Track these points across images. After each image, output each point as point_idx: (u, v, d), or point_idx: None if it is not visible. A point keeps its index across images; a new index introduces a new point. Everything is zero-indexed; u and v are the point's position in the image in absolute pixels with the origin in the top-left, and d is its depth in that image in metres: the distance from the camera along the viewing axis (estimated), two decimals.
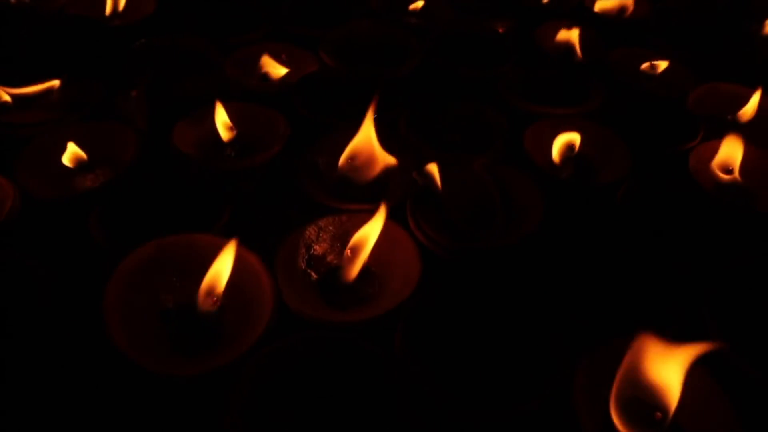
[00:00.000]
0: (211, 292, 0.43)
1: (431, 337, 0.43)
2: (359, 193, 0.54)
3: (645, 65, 0.77)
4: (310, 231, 0.50)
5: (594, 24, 0.83)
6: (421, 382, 0.38)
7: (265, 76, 0.71)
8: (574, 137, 0.59)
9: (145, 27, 0.77)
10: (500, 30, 0.85)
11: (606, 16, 0.88)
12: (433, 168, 0.52)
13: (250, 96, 0.65)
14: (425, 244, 0.49)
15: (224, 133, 0.60)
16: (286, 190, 0.55)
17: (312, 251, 0.50)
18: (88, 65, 0.68)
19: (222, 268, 0.43)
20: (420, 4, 0.84)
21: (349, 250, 0.47)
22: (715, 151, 0.61)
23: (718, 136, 0.63)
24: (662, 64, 0.76)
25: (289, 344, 0.40)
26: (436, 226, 0.50)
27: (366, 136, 0.54)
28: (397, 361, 0.40)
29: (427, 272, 0.46)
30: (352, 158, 0.55)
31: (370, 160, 0.55)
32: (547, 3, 0.90)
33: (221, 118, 0.60)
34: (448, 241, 0.49)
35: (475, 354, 0.43)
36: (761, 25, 0.85)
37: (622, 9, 0.88)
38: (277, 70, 0.71)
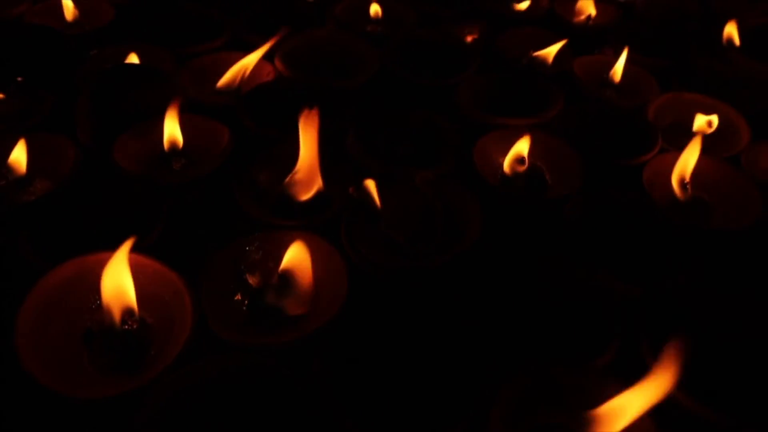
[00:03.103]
0: (116, 308, 0.42)
1: (350, 360, 0.41)
2: (297, 210, 0.53)
3: (608, 74, 0.75)
4: (241, 248, 0.49)
5: (562, 31, 0.82)
6: (334, 409, 0.37)
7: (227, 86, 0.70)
8: (523, 149, 0.58)
9: (104, 36, 0.76)
10: (467, 38, 0.84)
11: (574, 23, 0.87)
12: (370, 184, 0.51)
13: (201, 108, 0.64)
14: (355, 262, 0.47)
15: (170, 145, 0.59)
16: (224, 205, 0.54)
17: (241, 269, 0.48)
18: (41, 75, 0.68)
19: (120, 282, 0.41)
20: (379, 10, 0.83)
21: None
22: (671, 163, 0.60)
23: (677, 148, 0.62)
24: (622, 74, 0.74)
25: (197, 368, 0.39)
26: (372, 243, 0.49)
27: (309, 152, 0.53)
28: (313, 386, 0.39)
29: (355, 291, 0.45)
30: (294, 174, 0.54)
31: (311, 177, 0.53)
32: (519, 9, 0.88)
33: (169, 129, 0.58)
34: (379, 259, 0.47)
35: (394, 377, 0.42)
36: (732, 36, 0.84)
37: (590, 17, 0.86)
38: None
